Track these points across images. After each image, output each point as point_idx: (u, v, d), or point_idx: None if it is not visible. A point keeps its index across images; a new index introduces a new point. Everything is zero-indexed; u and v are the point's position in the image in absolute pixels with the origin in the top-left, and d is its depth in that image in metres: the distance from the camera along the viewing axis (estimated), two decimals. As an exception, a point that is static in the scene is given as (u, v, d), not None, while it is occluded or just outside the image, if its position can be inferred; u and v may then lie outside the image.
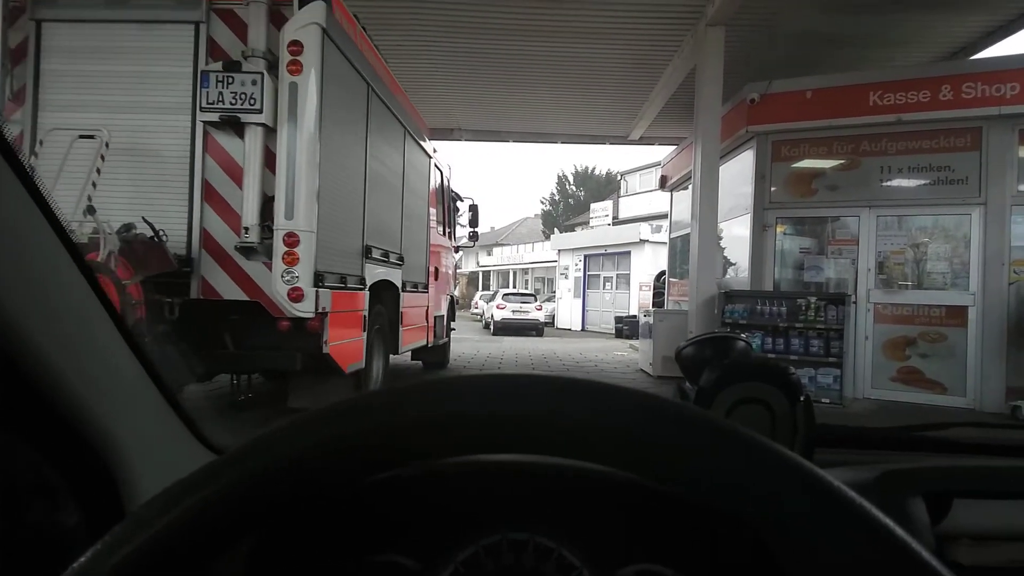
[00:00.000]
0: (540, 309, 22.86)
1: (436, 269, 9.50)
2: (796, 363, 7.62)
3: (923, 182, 8.27)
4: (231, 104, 4.76)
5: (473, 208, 11.43)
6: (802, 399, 0.96)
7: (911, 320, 8.15)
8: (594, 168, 44.40)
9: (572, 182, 44.61)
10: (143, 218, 4.75)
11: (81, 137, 4.78)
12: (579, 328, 25.49)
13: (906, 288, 8.29)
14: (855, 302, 8.22)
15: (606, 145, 15.31)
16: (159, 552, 0.39)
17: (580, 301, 26.02)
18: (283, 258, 4.73)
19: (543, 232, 40.86)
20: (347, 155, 5.57)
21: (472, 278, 42.40)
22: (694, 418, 0.40)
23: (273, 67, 4.83)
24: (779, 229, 9.00)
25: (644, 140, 14.49)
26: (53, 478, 0.65)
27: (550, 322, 25.58)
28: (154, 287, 4.62)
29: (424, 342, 8.92)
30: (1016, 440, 1.15)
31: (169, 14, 5.02)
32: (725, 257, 10.16)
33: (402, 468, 0.45)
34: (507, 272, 37.71)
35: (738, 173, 9.49)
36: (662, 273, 14.53)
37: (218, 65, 4.81)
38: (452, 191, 10.69)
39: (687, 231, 10.12)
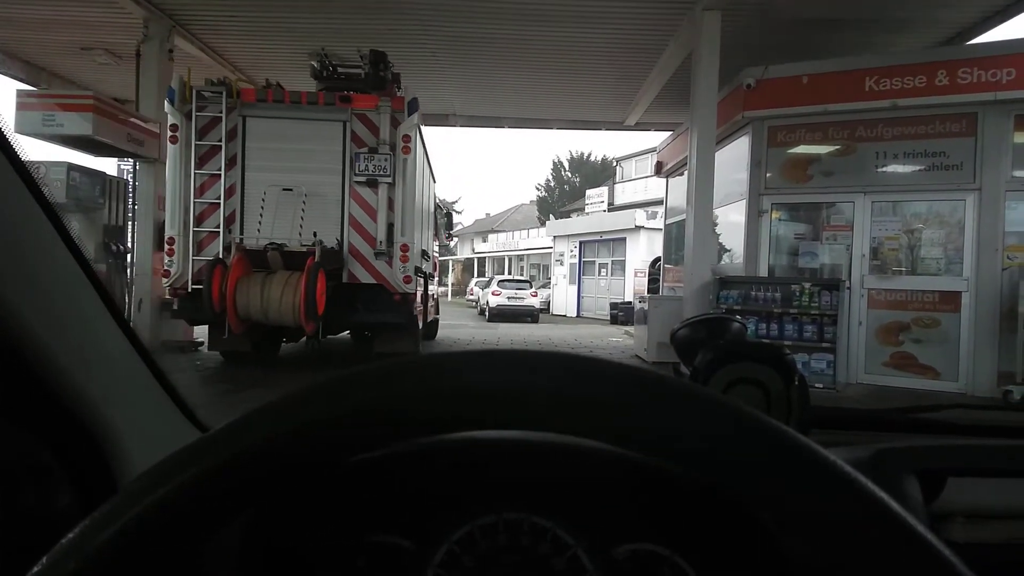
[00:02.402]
0: (535, 295, 22.84)
1: (435, 263, 12.83)
2: (790, 348, 7.64)
3: (918, 168, 8.27)
4: (372, 172, 8.02)
5: (448, 215, 14.74)
6: (796, 380, 0.96)
7: (905, 306, 8.17)
8: (590, 154, 44.18)
9: (567, 168, 44.40)
10: (336, 237, 7.98)
11: (284, 190, 7.89)
12: (574, 314, 25.51)
13: (900, 274, 8.30)
14: (849, 288, 8.24)
15: (602, 131, 15.26)
16: (146, 528, 0.39)
17: (575, 287, 26.01)
18: (400, 259, 8.12)
19: (538, 218, 40.66)
20: (418, 195, 8.85)
21: (467, 265, 42.34)
22: (693, 394, 0.40)
23: (393, 149, 8.05)
24: (774, 215, 8.99)
25: (640, 126, 14.45)
26: (46, 458, 0.65)
27: (545, 308, 25.57)
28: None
29: (431, 317, 12.19)
30: (1008, 421, 1.16)
31: (326, 116, 8.05)
32: (720, 243, 10.16)
33: (395, 447, 0.44)
34: (502, 259, 37.62)
35: (734, 159, 9.46)
36: (657, 259, 14.52)
37: (365, 149, 8.03)
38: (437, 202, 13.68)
39: (682, 217, 10.11)
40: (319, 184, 7.97)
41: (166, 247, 7.92)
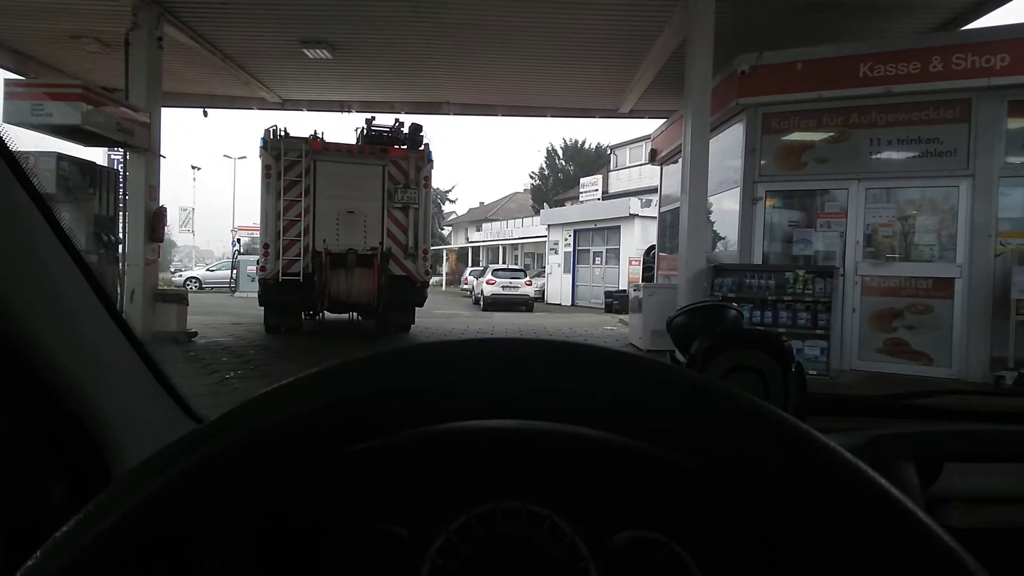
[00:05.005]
0: (530, 284, 22.87)
1: None
2: (784, 335, 7.66)
3: (912, 154, 8.27)
4: (406, 201, 11.47)
5: None
6: (794, 367, 0.96)
7: (898, 292, 8.21)
8: (584, 142, 44.02)
9: (561, 156, 44.28)
10: (388, 246, 11.35)
11: (348, 212, 11.18)
12: (569, 303, 25.53)
13: (893, 260, 8.33)
14: (843, 275, 8.26)
15: (596, 118, 15.21)
16: (141, 520, 0.38)
17: (570, 276, 26.02)
18: (422, 259, 11.62)
19: (532, 207, 40.56)
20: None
21: (461, 254, 42.28)
22: (694, 384, 0.40)
23: (418, 185, 11.52)
24: (768, 202, 8.99)
25: (634, 113, 14.40)
26: (39, 451, 0.64)
27: (540, 297, 25.59)
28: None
29: None
30: (1002, 406, 1.17)
31: (371, 162, 11.38)
32: (715, 231, 10.17)
33: (391, 436, 0.44)
34: (496, 247, 37.58)
35: (728, 146, 9.45)
36: (652, 247, 14.53)
37: (400, 185, 11.44)
38: None
39: (677, 205, 10.11)
40: (366, 208, 11.26)
41: (261, 250, 11.04)
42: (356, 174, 11.22)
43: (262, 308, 11.60)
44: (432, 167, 11.74)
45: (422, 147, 11.74)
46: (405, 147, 11.66)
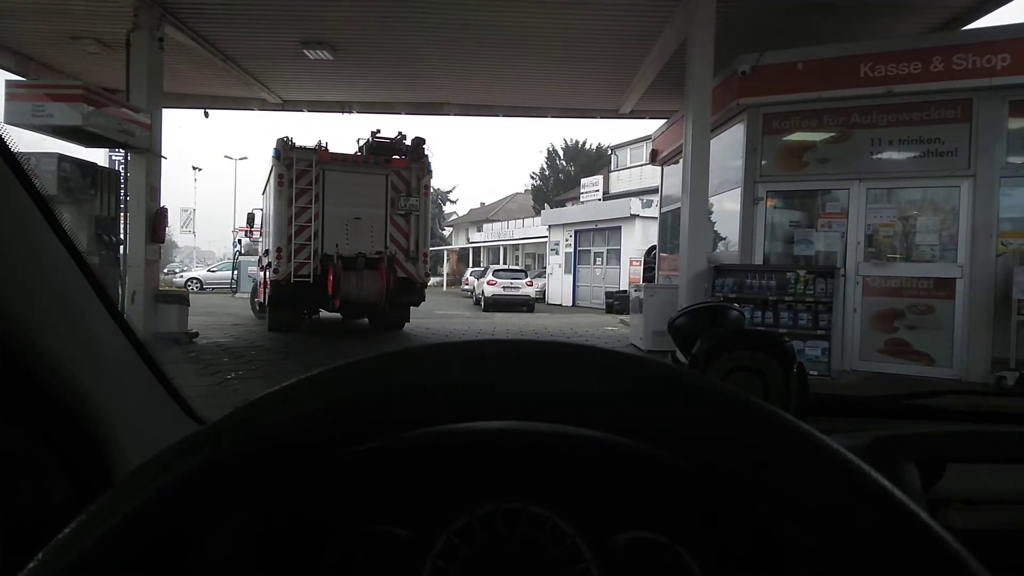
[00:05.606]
0: (531, 285, 22.86)
1: None
2: (785, 336, 7.64)
3: (913, 154, 8.27)
4: (408, 209, 12.09)
5: None
6: (795, 368, 0.96)
7: (899, 292, 8.20)
8: (584, 142, 44.00)
9: (562, 157, 44.25)
10: (392, 250, 11.99)
11: (355, 219, 11.70)
12: (570, 303, 25.53)
13: (895, 261, 8.33)
14: (844, 275, 8.25)
15: (596, 119, 15.21)
16: (143, 522, 0.38)
17: (571, 276, 26.00)
18: (422, 261, 12.28)
19: (533, 208, 40.54)
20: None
21: (462, 254, 42.28)
22: (695, 384, 0.40)
23: (418, 192, 12.16)
24: (769, 203, 8.99)
25: (635, 114, 14.39)
26: (40, 453, 0.64)
27: (541, 298, 25.57)
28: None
29: None
30: (1005, 407, 1.16)
31: (375, 171, 11.98)
32: (715, 231, 10.16)
33: (392, 438, 0.44)
34: (497, 248, 37.57)
35: (729, 146, 9.45)
36: (652, 248, 14.53)
37: (404, 194, 12.05)
38: None
39: (678, 205, 10.10)
40: (370, 214, 11.90)
41: (274, 253, 11.44)
42: (361, 183, 11.89)
43: (268, 307, 12.15)
44: (431, 177, 12.54)
45: (423, 158, 12.48)
46: (407, 158, 12.30)
